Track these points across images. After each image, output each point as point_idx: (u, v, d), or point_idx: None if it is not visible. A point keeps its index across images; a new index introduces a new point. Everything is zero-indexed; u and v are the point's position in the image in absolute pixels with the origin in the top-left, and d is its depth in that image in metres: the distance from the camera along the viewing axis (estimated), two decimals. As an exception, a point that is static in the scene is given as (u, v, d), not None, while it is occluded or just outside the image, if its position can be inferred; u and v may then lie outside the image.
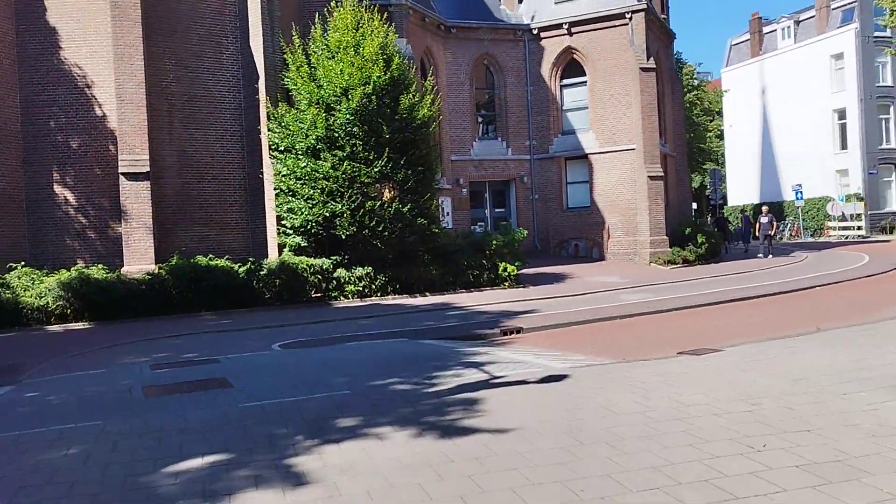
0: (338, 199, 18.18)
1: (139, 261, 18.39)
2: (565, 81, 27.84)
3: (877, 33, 47.73)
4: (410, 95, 19.04)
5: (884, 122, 48.19)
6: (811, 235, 48.76)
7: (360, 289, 18.62)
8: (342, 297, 18.48)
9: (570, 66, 27.83)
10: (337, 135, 18.35)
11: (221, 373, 9.50)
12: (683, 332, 12.36)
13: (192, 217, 20.21)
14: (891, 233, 46.50)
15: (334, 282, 18.47)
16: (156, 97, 19.63)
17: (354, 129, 18.22)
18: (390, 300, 18.65)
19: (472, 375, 8.52)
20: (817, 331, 10.92)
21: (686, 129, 43.12)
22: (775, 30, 54.54)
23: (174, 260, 17.30)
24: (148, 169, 18.83)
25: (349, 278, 18.55)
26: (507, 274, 20.19)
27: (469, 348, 11.15)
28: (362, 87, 18.18)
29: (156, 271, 17.35)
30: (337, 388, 8.08)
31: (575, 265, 24.87)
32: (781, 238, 48.92)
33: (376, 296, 18.78)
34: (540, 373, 8.51)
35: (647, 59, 25.93)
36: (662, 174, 26.11)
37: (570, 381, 7.89)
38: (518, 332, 13.55)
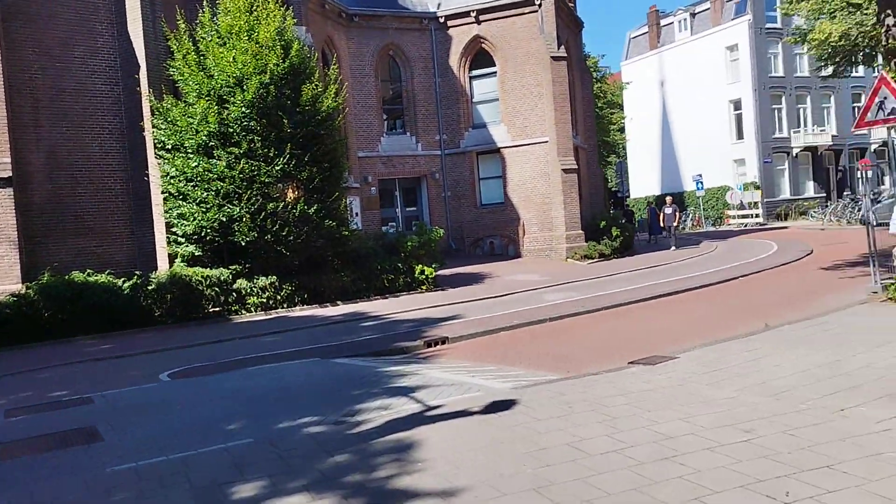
0: (235, 202, 16.35)
1: (2, 280, 15.99)
2: (475, 72, 26.74)
3: (769, 24, 49.28)
4: (313, 85, 17.36)
5: (776, 111, 49.75)
6: (712, 224, 49.83)
7: (264, 300, 16.84)
8: (244, 311, 16.65)
9: (480, 56, 26.76)
10: (232, 130, 16.51)
11: (93, 418, 7.73)
12: (623, 335, 11.37)
13: (66, 227, 17.84)
14: (786, 219, 48.06)
15: (234, 294, 16.62)
16: (17, 92, 17.19)
17: (251, 123, 16.43)
18: (298, 312, 16.96)
19: (403, 406, 7.13)
20: (766, 328, 10.14)
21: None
22: (672, 22, 55.48)
23: (45, 277, 15.05)
24: (10, 174, 16.40)
25: (251, 289, 16.74)
26: (424, 277, 18.88)
27: (393, 367, 9.75)
28: (258, 77, 16.40)
29: (22, 291, 15.06)
30: (236, 436, 6.52)
31: (492, 264, 23.83)
32: (683, 228, 49.80)
33: (282, 307, 17.04)
34: (482, 398, 7.22)
35: (558, 48, 25.15)
36: (576, 167, 25.44)
37: (521, 409, 6.62)
38: (444, 342, 12.27)
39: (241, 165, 16.26)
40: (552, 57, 24.97)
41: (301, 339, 13.34)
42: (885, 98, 11.02)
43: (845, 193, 50.48)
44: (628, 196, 41.46)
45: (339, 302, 17.53)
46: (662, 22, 56.73)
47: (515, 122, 25.77)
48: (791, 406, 6.03)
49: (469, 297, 17.35)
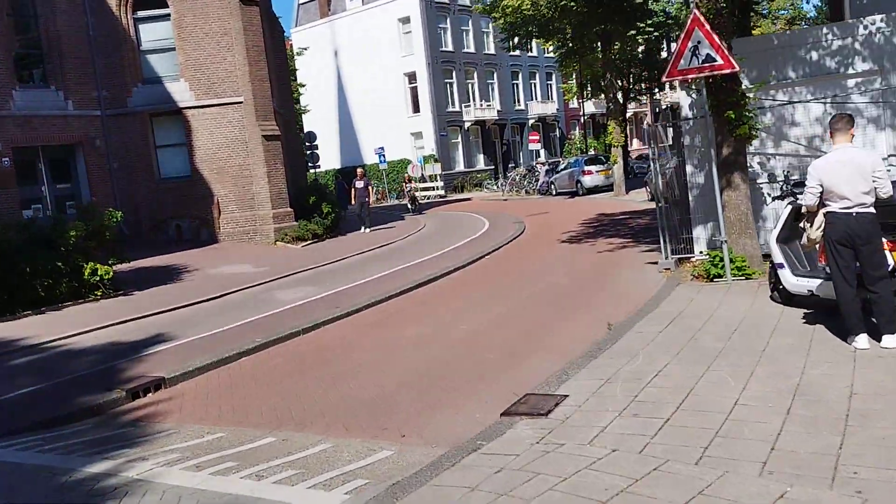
0: None
1: None
2: (140, 13, 21.16)
3: (438, -1, 49.72)
4: None
5: (448, 86, 50.61)
6: (396, 198, 49.28)
7: None
8: None
9: (146, -6, 21.29)
10: None
11: None
12: (427, 352, 8.33)
13: None
14: (463, 191, 49.37)
15: None
16: None
17: None
18: None
19: None
20: (611, 329, 7.94)
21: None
22: (343, -10, 53.51)
23: None
24: None
25: None
26: (98, 279, 13.74)
27: (88, 467, 5.50)
28: None
29: None
30: None
31: (184, 253, 19.06)
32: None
33: None
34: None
35: (249, -11, 20.93)
36: (279, 132, 21.60)
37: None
38: (159, 386, 8.09)
39: None
40: (241, 0, 20.71)
41: None
42: (699, 42, 9.45)
43: (510, 165, 53.57)
44: (319, 168, 38.41)
45: (-37, 325, 11.79)
46: (333, -11, 54.46)
47: (199, 77, 20.99)
48: (808, 496, 3.58)
49: (170, 303, 12.85)
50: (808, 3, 75.99)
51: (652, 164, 11.52)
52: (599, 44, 28.85)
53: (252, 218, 21.17)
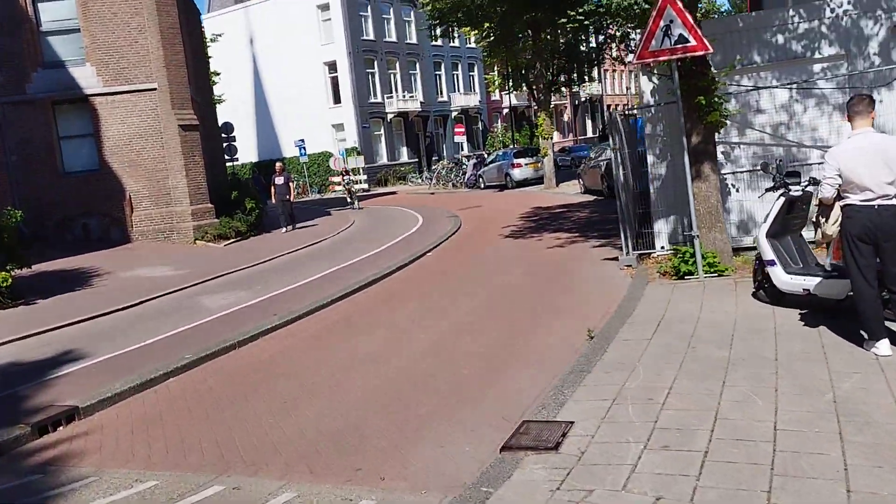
0: None
1: None
2: (39, -9, 19.19)
3: (356, -15, 48.27)
4: None
5: (370, 76, 49.31)
6: (318, 192, 47.76)
7: None
8: None
9: (44, -31, 19.26)
10: None
11: None
12: (396, 369, 7.35)
13: None
14: (386, 184, 48.25)
15: None
16: None
17: None
18: None
19: None
20: (592, 338, 7.19)
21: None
22: (257, -25, 51.41)
23: None
24: None
25: None
26: (-6, 287, 12.11)
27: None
28: None
29: None
30: None
31: (93, 254, 17.34)
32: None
33: None
34: None
35: (162, -35, 19.22)
36: (197, 122, 20.00)
37: None
38: (72, 418, 6.85)
39: None
40: (153, -22, 19.02)
41: None
42: (672, 22, 8.80)
43: (434, 158, 52.78)
44: (237, 161, 36.51)
45: None
46: (246, -27, 52.26)
47: (108, 61, 19.16)
48: None
49: (80, 313, 11.37)
50: (718, -1, 78.11)
51: (613, 155, 10.81)
52: (529, 32, 28.31)
53: (168, 215, 19.54)
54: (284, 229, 21.46)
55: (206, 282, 13.69)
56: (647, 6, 24.18)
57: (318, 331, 9.40)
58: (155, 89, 19.23)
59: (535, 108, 60.15)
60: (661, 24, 8.86)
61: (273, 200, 22.28)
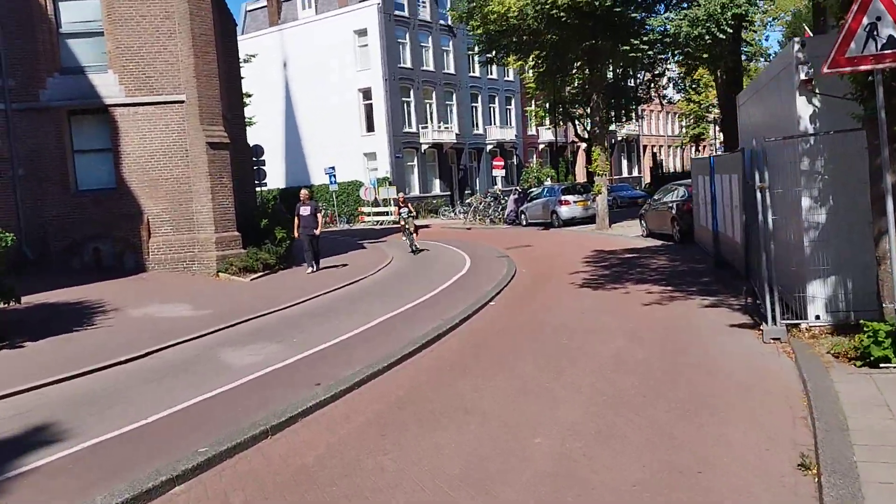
0: None
1: None
2: (61, -11, 17.34)
3: (397, 12, 46.64)
4: None
5: (405, 104, 47.53)
6: (347, 222, 45.75)
7: None
8: None
9: (69, -34, 17.41)
10: None
11: None
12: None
13: None
14: (418, 217, 46.09)
15: None
16: None
17: None
18: None
19: None
20: (808, 467, 4.73)
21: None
22: (294, -2, 50.17)
23: None
24: None
25: None
26: (-29, 325, 9.89)
27: None
28: None
29: None
30: None
31: (102, 284, 15.12)
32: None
33: None
34: None
35: (199, -33, 17.30)
36: (227, 140, 17.90)
37: None
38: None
39: None
40: (189, -21, 17.10)
41: None
42: (879, 19, 6.50)
43: (466, 192, 50.67)
44: (265, 186, 34.57)
45: None
46: (283, -4, 51.05)
47: (133, 68, 17.17)
48: None
49: (73, 365, 9.06)
50: (766, 41, 76.19)
51: (760, 195, 8.44)
52: (584, 60, 26.18)
53: (190, 242, 17.34)
54: (309, 269, 17.89)
55: (230, 327, 11.38)
56: (721, 36, 22.37)
57: (377, 413, 7.01)
58: (183, 102, 17.18)
59: (578, 143, 58.11)
60: (865, 21, 6.56)
61: (296, 234, 18.20)
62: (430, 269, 18.19)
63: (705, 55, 23.98)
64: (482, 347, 9.53)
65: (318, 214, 18.24)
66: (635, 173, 67.99)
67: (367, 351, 9.18)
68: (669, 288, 12.66)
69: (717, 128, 55.44)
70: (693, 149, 72.09)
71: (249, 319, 11.90)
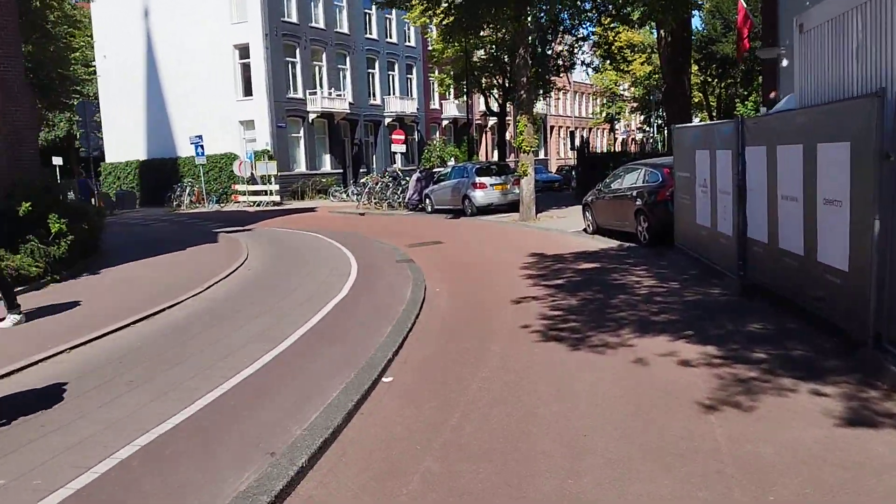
0: None
1: None
2: None
3: (281, -44, 39.41)
4: None
5: (290, 65, 40.53)
6: (217, 202, 38.42)
7: None
8: None
9: None
10: None
11: None
12: None
13: None
14: (303, 198, 39.45)
15: None
16: None
17: None
18: None
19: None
20: None
21: (35, 43, 27.26)
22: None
23: None
24: None
25: None
26: None
27: None
28: None
29: None
30: None
31: None
32: (179, 206, 37.34)
33: None
34: None
35: None
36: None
37: None
38: None
39: None
40: None
41: None
42: None
43: (361, 170, 44.30)
44: (94, 155, 27.02)
45: None
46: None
47: None
48: None
49: None
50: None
51: None
52: (514, 6, 20.36)
53: None
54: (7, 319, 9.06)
55: None
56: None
57: None
58: None
59: (484, 121, 52.41)
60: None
61: None
62: (289, 284, 11.90)
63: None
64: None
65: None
66: (541, 155, 63.10)
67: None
68: (713, 350, 6.90)
69: (658, 102, 50.76)
70: (607, 131, 68.10)
71: None
